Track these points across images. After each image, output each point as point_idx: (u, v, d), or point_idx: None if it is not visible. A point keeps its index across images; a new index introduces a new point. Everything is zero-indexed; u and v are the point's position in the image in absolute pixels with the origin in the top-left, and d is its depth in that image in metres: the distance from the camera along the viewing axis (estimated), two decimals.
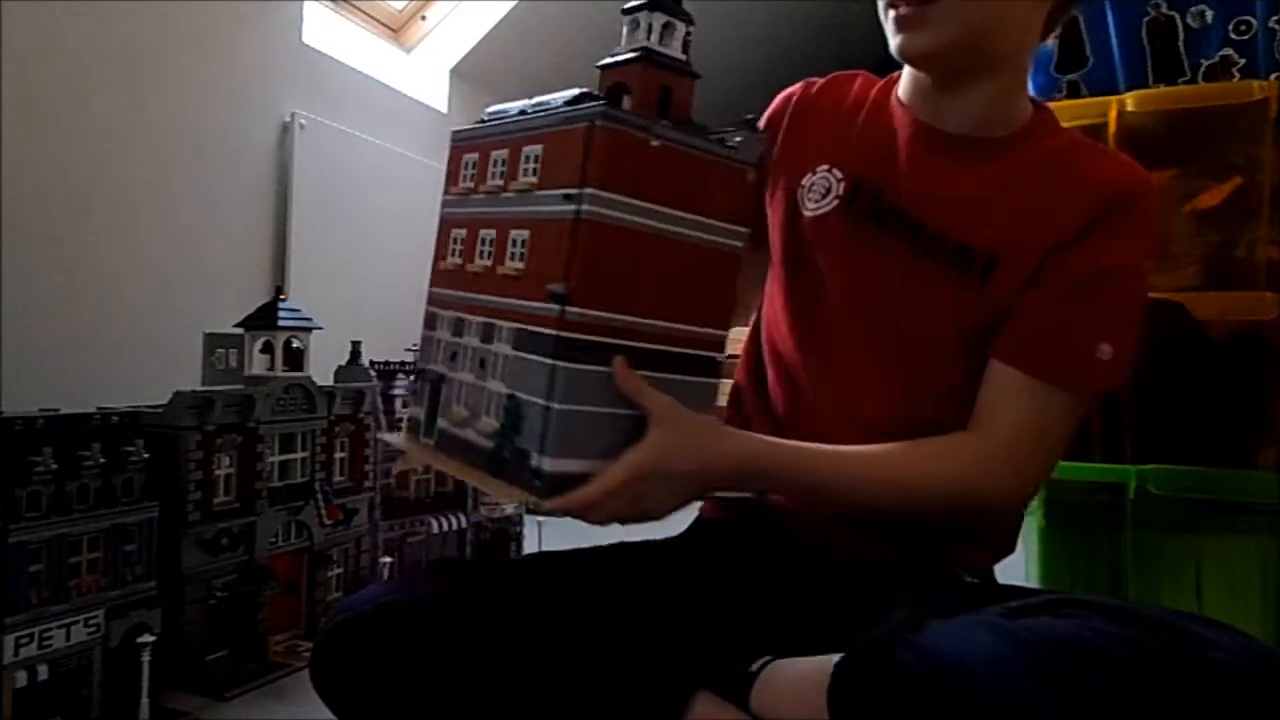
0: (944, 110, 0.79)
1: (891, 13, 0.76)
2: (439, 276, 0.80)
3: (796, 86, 0.91)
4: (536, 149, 0.68)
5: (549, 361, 0.62)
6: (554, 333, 0.63)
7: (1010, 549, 0.85)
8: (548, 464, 0.61)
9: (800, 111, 0.88)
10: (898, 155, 0.81)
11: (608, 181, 0.66)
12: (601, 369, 0.63)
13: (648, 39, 0.73)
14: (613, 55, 0.73)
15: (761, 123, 0.88)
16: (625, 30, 0.75)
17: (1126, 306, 0.75)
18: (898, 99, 0.82)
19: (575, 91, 0.68)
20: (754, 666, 0.65)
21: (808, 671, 0.62)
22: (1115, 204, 0.75)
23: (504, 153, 0.72)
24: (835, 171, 0.83)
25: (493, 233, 0.71)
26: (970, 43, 0.74)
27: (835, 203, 0.81)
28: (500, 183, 0.71)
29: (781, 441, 0.73)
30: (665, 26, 0.75)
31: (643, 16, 0.74)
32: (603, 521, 0.64)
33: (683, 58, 0.76)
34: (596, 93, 0.69)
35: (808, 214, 0.82)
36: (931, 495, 0.72)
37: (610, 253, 0.68)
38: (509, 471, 0.64)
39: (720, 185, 0.76)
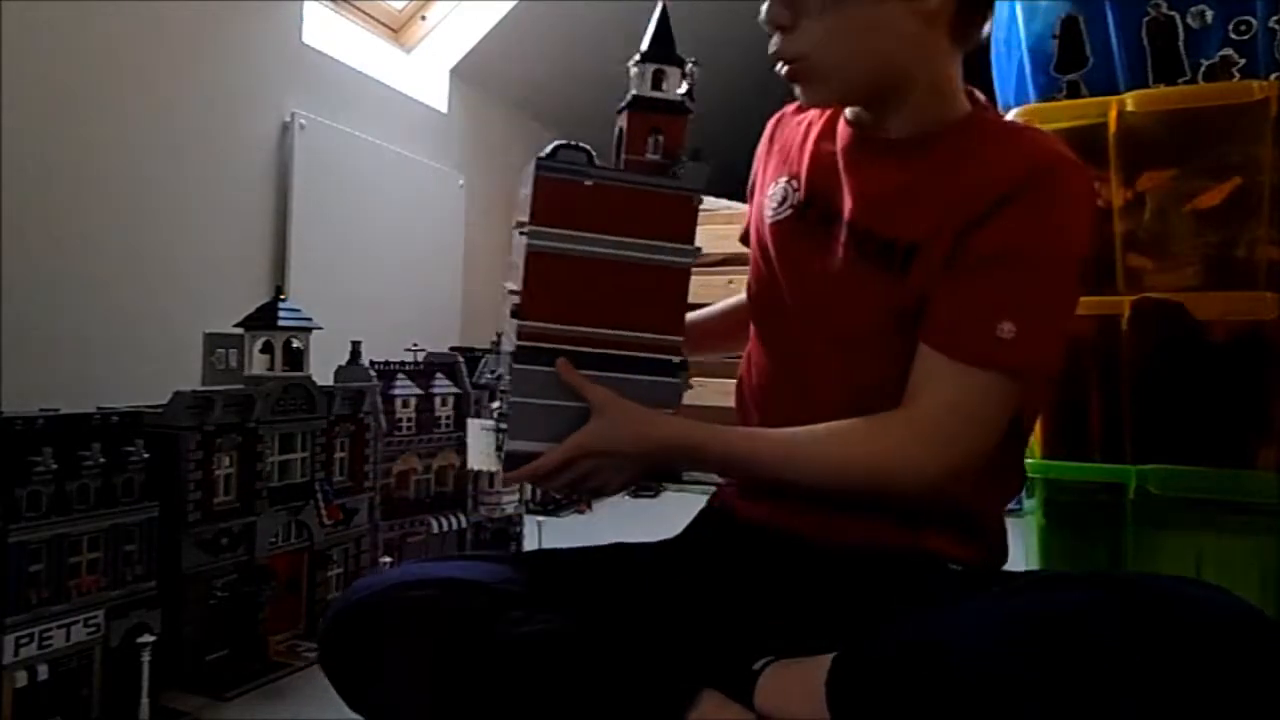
0: (876, 121, 0.85)
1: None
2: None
3: (784, 110, 1.01)
4: (526, 192, 0.84)
5: (511, 364, 0.79)
6: (516, 341, 0.80)
7: (1001, 549, 0.86)
8: (506, 444, 0.79)
9: (775, 133, 0.99)
10: (842, 163, 0.88)
11: (546, 219, 0.85)
12: (550, 369, 0.79)
13: (639, 87, 0.90)
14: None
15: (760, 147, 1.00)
16: (631, 78, 0.92)
17: (1033, 284, 0.77)
18: (844, 114, 0.88)
19: (556, 144, 0.84)
20: (757, 665, 0.68)
21: (808, 669, 0.65)
22: (1023, 183, 0.77)
23: (521, 193, 0.88)
24: (793, 182, 0.91)
25: (514, 259, 0.89)
26: (863, 81, 0.82)
27: (790, 210, 0.89)
28: (517, 220, 0.89)
29: (715, 426, 0.81)
30: (656, 73, 0.92)
31: (638, 67, 0.91)
32: (558, 494, 0.75)
33: (674, 98, 0.91)
34: (574, 144, 0.85)
35: (768, 220, 0.91)
36: (853, 473, 0.77)
37: (554, 276, 0.85)
38: (499, 456, 0.81)
39: (663, 211, 0.90)
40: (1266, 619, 0.57)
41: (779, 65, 0.83)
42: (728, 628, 0.77)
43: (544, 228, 0.87)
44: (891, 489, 0.78)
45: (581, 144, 0.89)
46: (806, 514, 0.81)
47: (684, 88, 0.91)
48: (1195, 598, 0.59)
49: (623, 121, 0.90)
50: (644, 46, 0.98)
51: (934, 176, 0.81)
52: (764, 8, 0.81)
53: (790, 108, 0.99)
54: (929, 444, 0.76)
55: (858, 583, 0.77)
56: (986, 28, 0.85)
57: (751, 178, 1.01)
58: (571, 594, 0.77)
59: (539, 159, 0.86)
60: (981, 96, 0.88)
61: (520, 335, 0.81)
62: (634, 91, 0.90)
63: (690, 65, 0.90)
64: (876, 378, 0.81)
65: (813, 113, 0.92)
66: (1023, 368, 0.76)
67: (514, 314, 0.81)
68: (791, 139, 0.95)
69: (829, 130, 0.90)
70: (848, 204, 0.85)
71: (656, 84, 0.98)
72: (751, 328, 0.95)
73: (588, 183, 0.90)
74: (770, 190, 0.93)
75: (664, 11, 1.03)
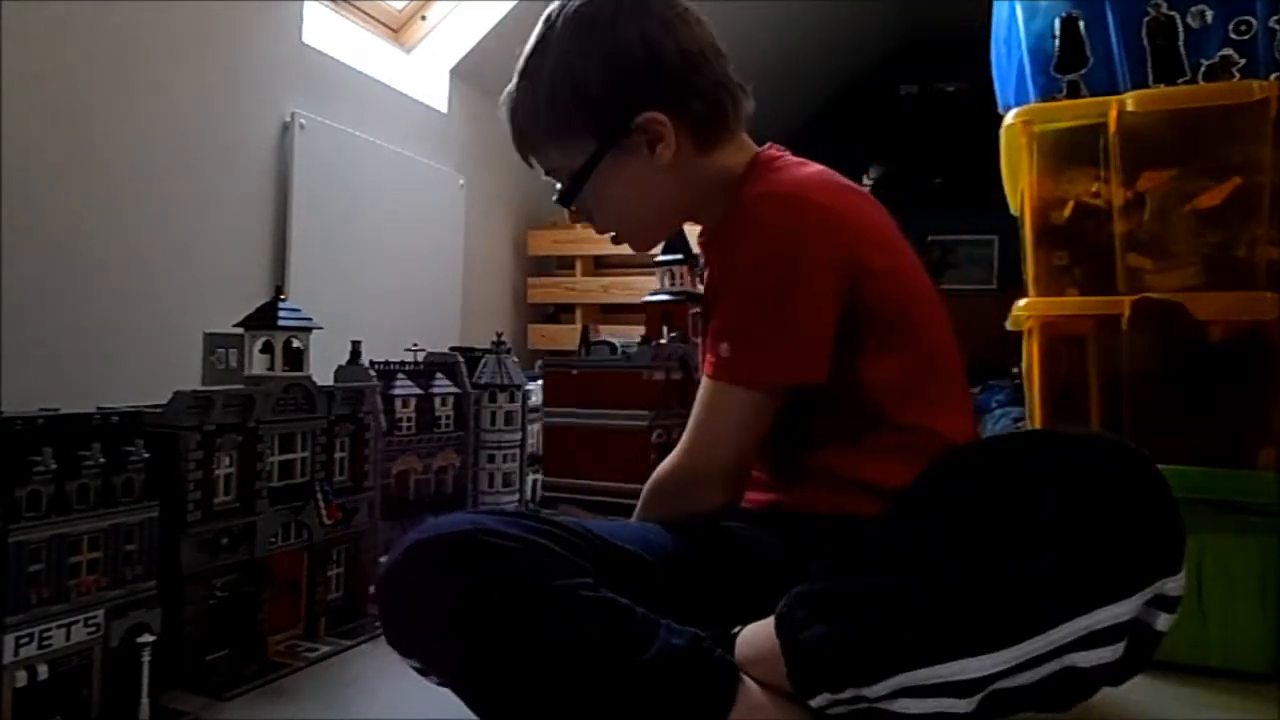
0: (697, 221, 1.05)
1: None
2: None
3: None
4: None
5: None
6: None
7: None
8: None
9: None
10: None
11: (549, 400, 1.42)
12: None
13: (660, 284, 1.59)
14: None
15: None
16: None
17: (738, 309, 0.89)
18: None
19: (595, 341, 1.43)
20: (734, 630, 0.77)
21: (768, 623, 0.73)
22: (728, 228, 0.92)
23: None
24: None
25: None
26: (655, 225, 1.03)
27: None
28: None
29: None
30: (666, 271, 1.57)
31: (656, 270, 1.57)
32: None
33: (680, 290, 1.56)
34: (604, 341, 1.46)
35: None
36: (656, 498, 0.94)
37: (558, 442, 1.40)
38: None
39: (624, 386, 1.33)
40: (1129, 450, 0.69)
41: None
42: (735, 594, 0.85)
43: (547, 406, 1.38)
44: (657, 498, 0.94)
45: (610, 340, 1.42)
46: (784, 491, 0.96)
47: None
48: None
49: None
50: (661, 254, 1.56)
51: (717, 249, 0.99)
52: (569, 213, 1.01)
53: None
54: (679, 455, 0.92)
55: (808, 538, 0.89)
56: (734, 118, 0.96)
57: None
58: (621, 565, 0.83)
59: (545, 363, 1.38)
60: (766, 154, 0.98)
61: (544, 488, 1.39)
62: (654, 290, 1.53)
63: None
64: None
65: None
66: (737, 378, 0.88)
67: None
68: None
69: None
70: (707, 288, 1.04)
71: (671, 280, 1.56)
72: None
73: (574, 372, 1.38)
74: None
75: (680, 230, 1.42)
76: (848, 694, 0.66)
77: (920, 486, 0.73)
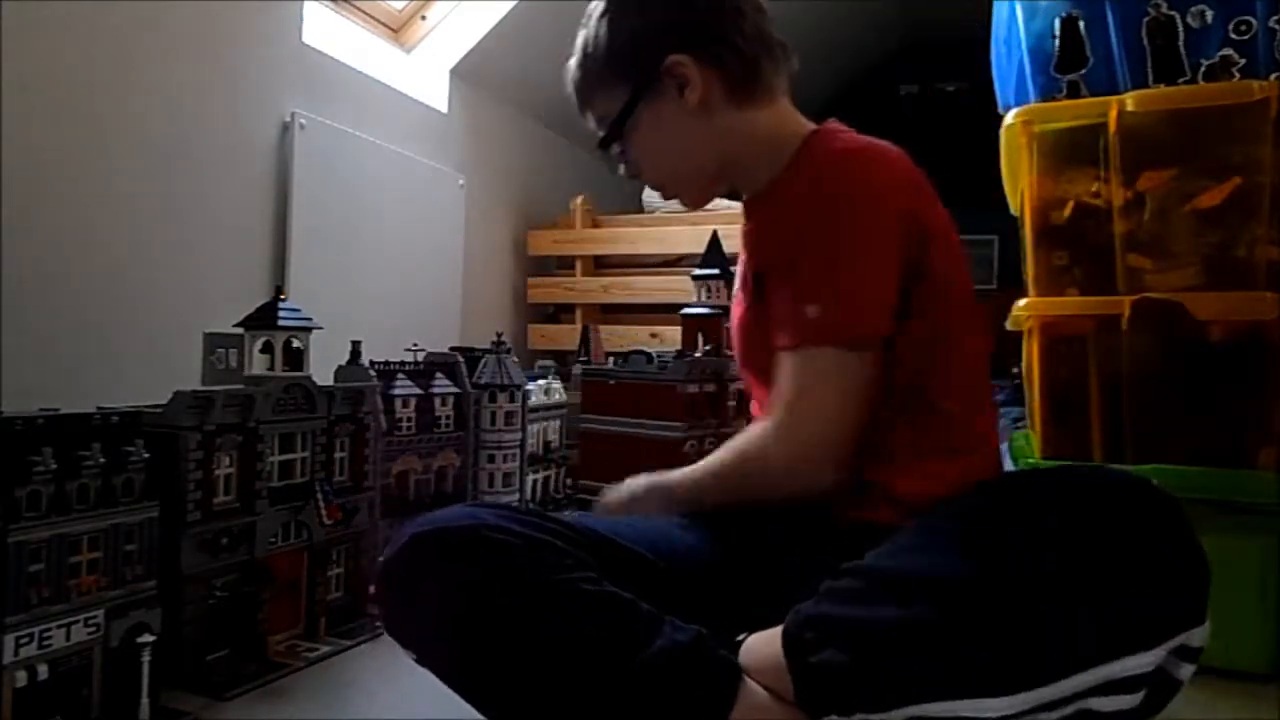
0: (743, 189, 1.01)
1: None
2: None
3: None
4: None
5: None
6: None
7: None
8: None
9: None
10: (741, 230, 1.05)
11: (586, 408, 1.51)
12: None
13: (697, 297, 1.62)
14: None
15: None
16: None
17: (821, 267, 0.85)
18: None
19: (631, 350, 1.52)
20: (739, 638, 0.76)
21: (774, 633, 0.72)
22: (805, 189, 0.89)
23: None
24: (740, 262, 1.06)
25: None
26: (700, 177, 0.98)
27: (744, 294, 1.01)
28: None
29: (682, 470, 0.94)
30: (703, 285, 1.61)
31: (695, 281, 1.62)
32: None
33: (716, 304, 1.57)
34: (642, 351, 1.52)
35: (747, 307, 1.01)
36: (749, 483, 0.87)
37: (594, 446, 1.49)
38: None
39: (659, 398, 1.40)
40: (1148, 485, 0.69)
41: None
42: (745, 593, 0.85)
43: (586, 413, 1.46)
44: (757, 482, 0.87)
45: (646, 350, 1.48)
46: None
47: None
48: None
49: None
50: (699, 268, 1.61)
51: (773, 212, 0.95)
52: (621, 170, 1.00)
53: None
54: (776, 434, 0.84)
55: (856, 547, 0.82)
56: (772, 74, 0.95)
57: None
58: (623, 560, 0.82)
59: (585, 371, 1.49)
60: (832, 125, 0.96)
61: (576, 490, 1.47)
62: (687, 306, 1.58)
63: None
64: None
65: None
66: (834, 338, 0.82)
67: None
68: None
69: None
70: (749, 258, 1.01)
71: (708, 293, 1.60)
72: None
73: (612, 382, 1.46)
74: (740, 273, 1.07)
75: (715, 235, 1.62)
76: (856, 718, 0.65)
77: (941, 515, 0.72)
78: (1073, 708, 0.62)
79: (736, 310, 1.03)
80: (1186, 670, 0.65)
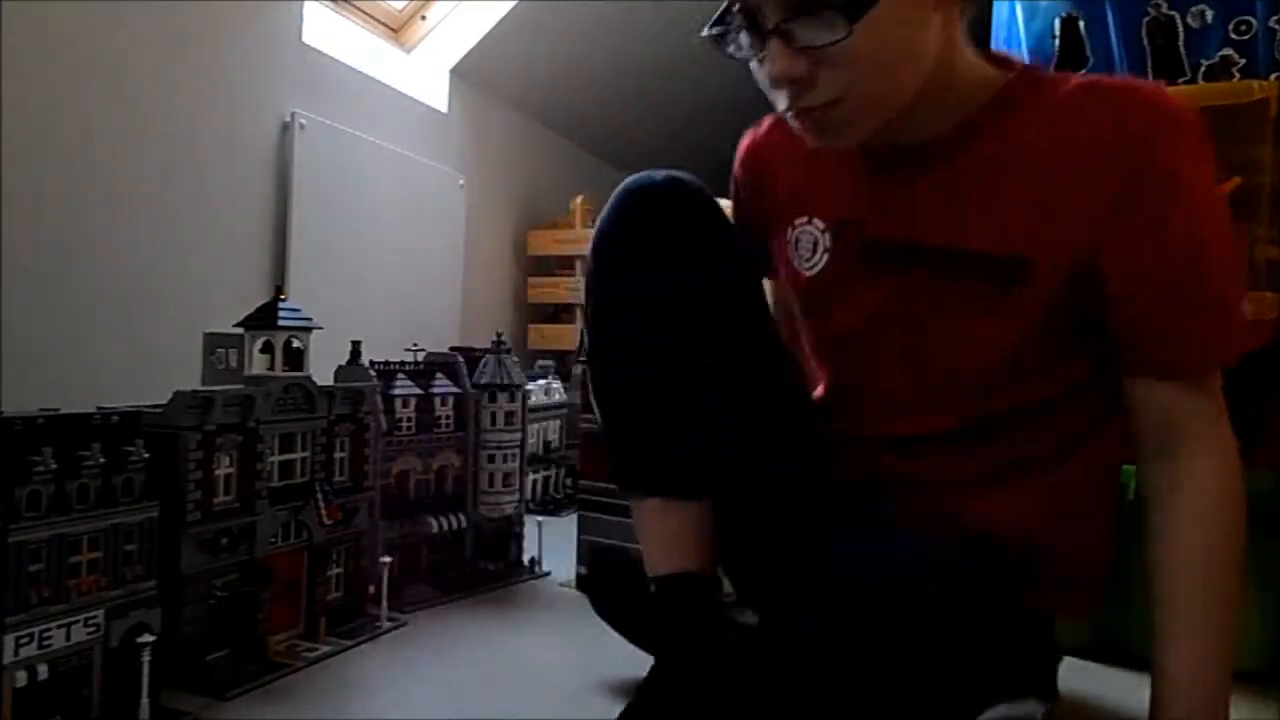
0: (905, 129, 0.72)
1: (794, 120, 0.71)
2: None
3: (743, 141, 0.91)
4: None
5: None
6: None
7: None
8: None
9: (754, 164, 0.89)
10: (867, 183, 0.77)
11: (586, 408, 1.36)
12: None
13: None
14: None
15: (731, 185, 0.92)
16: None
17: (1201, 275, 0.70)
18: None
19: None
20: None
21: None
22: (1142, 168, 0.67)
23: None
24: (816, 222, 0.81)
25: None
26: (906, 98, 0.69)
27: (825, 256, 0.80)
28: None
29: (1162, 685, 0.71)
30: None
31: None
32: None
33: None
34: None
35: (806, 273, 0.83)
36: (1236, 542, 0.74)
37: (595, 446, 1.40)
38: None
39: None
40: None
41: (795, 118, 0.70)
42: None
43: (587, 413, 1.39)
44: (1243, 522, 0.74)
45: None
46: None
47: None
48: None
49: None
50: None
51: (1011, 174, 0.71)
52: (765, 68, 0.68)
53: (743, 142, 0.91)
54: (1231, 467, 0.74)
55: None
56: None
57: (737, 216, 0.92)
58: None
59: (585, 366, 1.17)
60: (1005, 54, 0.77)
61: (580, 491, 1.48)
62: None
63: None
64: (987, 405, 0.76)
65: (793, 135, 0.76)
66: (1235, 352, 0.73)
67: None
68: (783, 170, 0.85)
69: (828, 152, 0.77)
70: (897, 226, 0.75)
71: None
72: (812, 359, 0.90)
73: None
74: (791, 237, 0.83)
75: None
76: None
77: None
78: None
79: (809, 274, 0.83)
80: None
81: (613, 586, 1.04)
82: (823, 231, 0.81)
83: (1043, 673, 0.81)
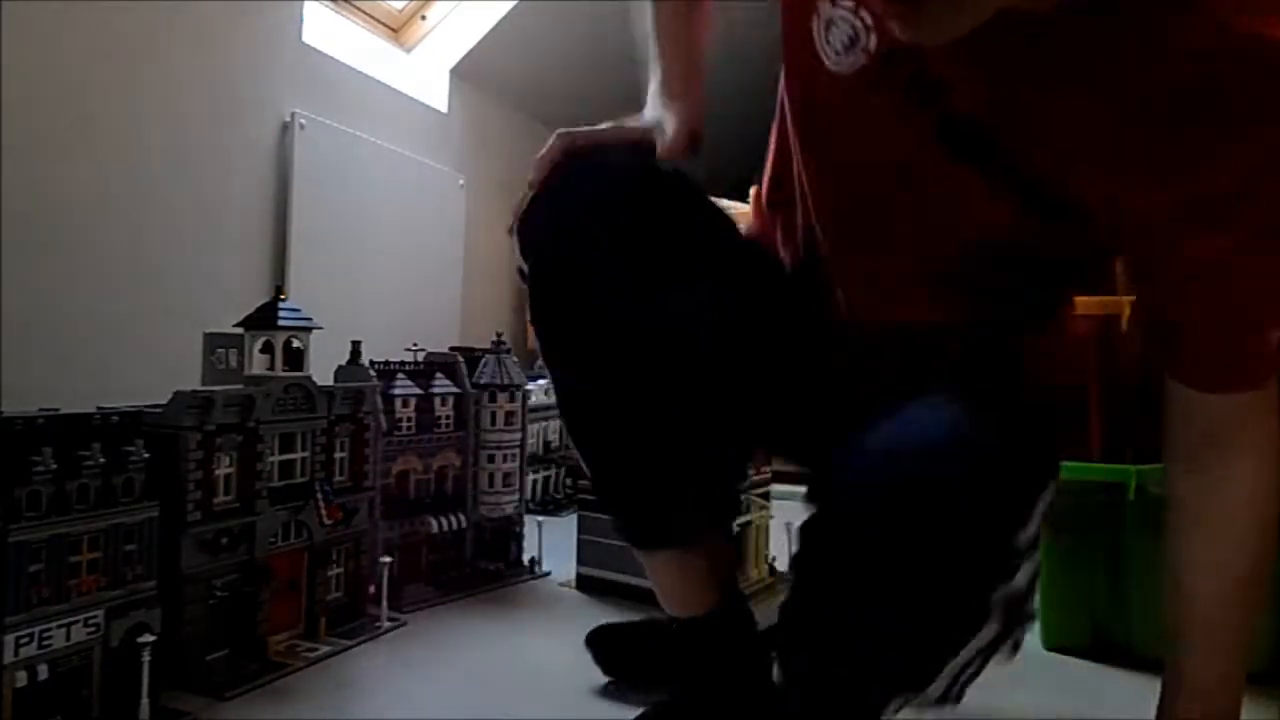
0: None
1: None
2: None
3: None
4: None
5: None
6: None
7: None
8: None
9: None
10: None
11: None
12: None
13: None
14: None
15: None
16: None
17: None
18: None
19: None
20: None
21: None
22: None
23: None
24: (863, 13, 0.60)
25: None
26: None
27: (863, 59, 0.61)
28: None
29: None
30: None
31: None
32: None
33: None
34: None
35: (829, 64, 0.63)
36: (1272, 547, 0.66)
37: None
38: None
39: None
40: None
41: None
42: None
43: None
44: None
45: None
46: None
47: None
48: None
49: None
50: None
51: (1131, 104, 0.54)
52: None
53: None
54: (1272, 466, 0.65)
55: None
56: None
57: None
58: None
59: None
60: None
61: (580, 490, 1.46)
62: None
63: None
64: (965, 279, 0.67)
65: None
66: None
67: None
68: None
69: None
70: (963, 79, 0.57)
71: None
72: (794, 177, 0.76)
73: None
74: (825, 12, 0.62)
75: None
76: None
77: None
78: None
79: (833, 68, 0.63)
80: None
81: (623, 659, 1.03)
82: (867, 29, 0.60)
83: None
